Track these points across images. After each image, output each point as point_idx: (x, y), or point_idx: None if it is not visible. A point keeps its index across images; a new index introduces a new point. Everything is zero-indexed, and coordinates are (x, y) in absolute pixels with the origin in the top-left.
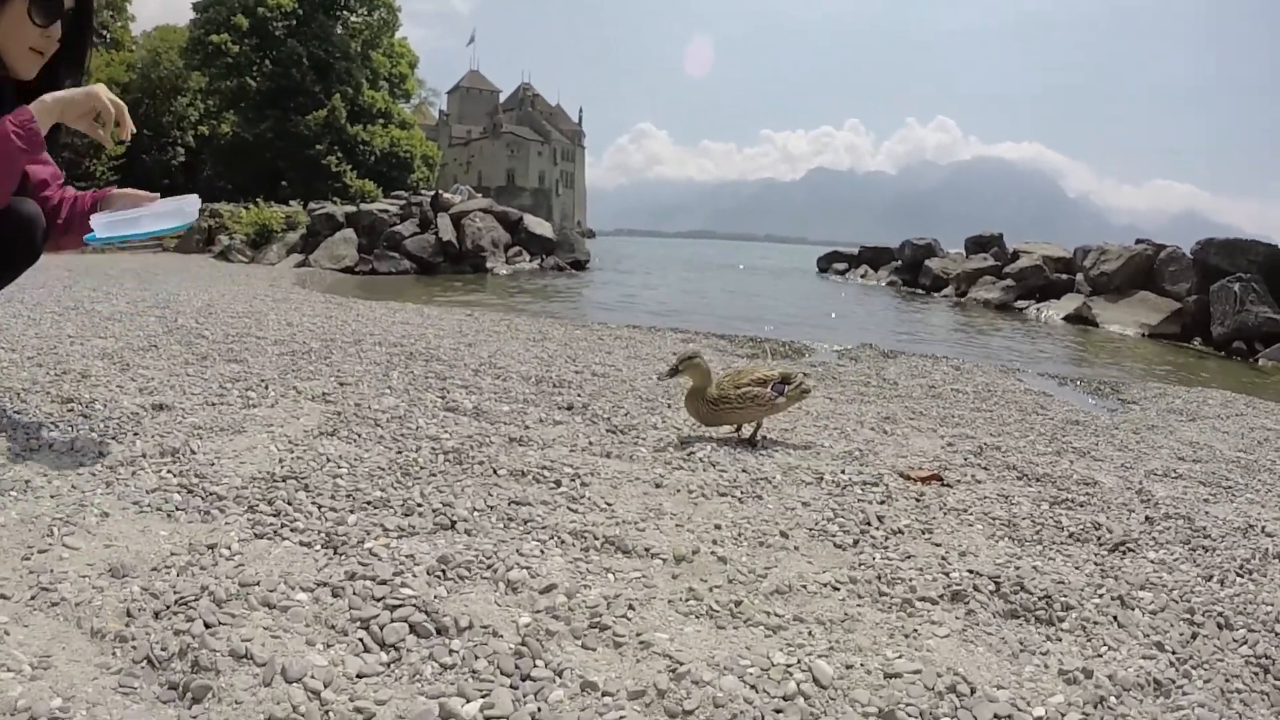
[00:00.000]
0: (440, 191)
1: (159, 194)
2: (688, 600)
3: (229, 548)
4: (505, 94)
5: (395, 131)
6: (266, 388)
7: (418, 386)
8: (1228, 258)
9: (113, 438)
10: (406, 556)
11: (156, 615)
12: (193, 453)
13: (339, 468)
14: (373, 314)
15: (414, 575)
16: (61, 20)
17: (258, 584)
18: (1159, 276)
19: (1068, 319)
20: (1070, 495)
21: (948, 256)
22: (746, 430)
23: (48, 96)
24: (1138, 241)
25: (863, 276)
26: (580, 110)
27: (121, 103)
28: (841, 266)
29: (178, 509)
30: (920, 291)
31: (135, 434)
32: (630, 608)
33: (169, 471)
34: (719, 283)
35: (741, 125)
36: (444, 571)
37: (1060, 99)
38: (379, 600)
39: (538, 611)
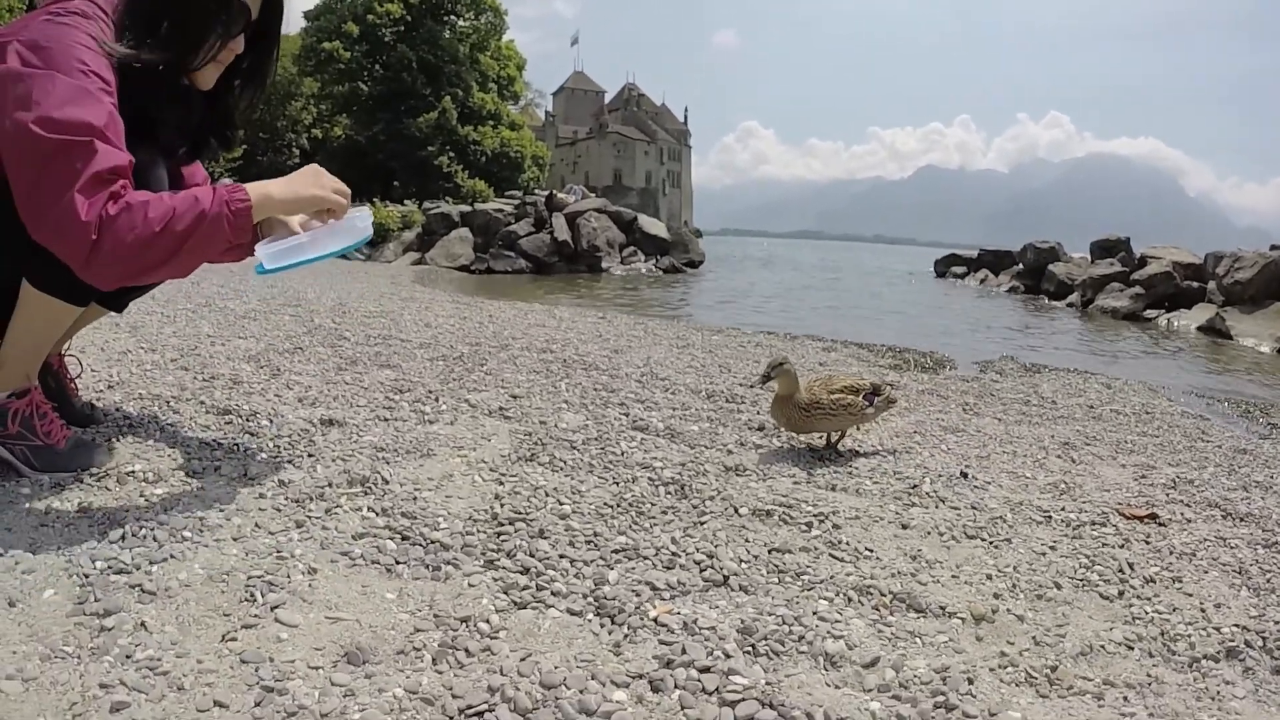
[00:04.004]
0: (555, 191)
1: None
2: (1005, 667)
3: (487, 621)
4: (610, 94)
5: (505, 132)
6: (437, 400)
7: (594, 401)
8: None
9: (289, 461)
10: (707, 629)
11: None
12: (385, 482)
13: (561, 504)
14: (504, 315)
15: (726, 655)
16: (245, 31)
17: (563, 683)
18: None
19: (1200, 330)
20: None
21: (1071, 261)
22: (833, 437)
23: (274, 189)
24: (1273, 248)
25: (982, 281)
26: (685, 110)
27: (345, 188)
28: (960, 270)
29: (398, 562)
30: (1043, 298)
31: (311, 456)
32: (969, 680)
33: (370, 509)
34: (837, 285)
35: (849, 123)
36: (754, 646)
37: (1178, 91)
38: (711, 694)
39: (868, 690)
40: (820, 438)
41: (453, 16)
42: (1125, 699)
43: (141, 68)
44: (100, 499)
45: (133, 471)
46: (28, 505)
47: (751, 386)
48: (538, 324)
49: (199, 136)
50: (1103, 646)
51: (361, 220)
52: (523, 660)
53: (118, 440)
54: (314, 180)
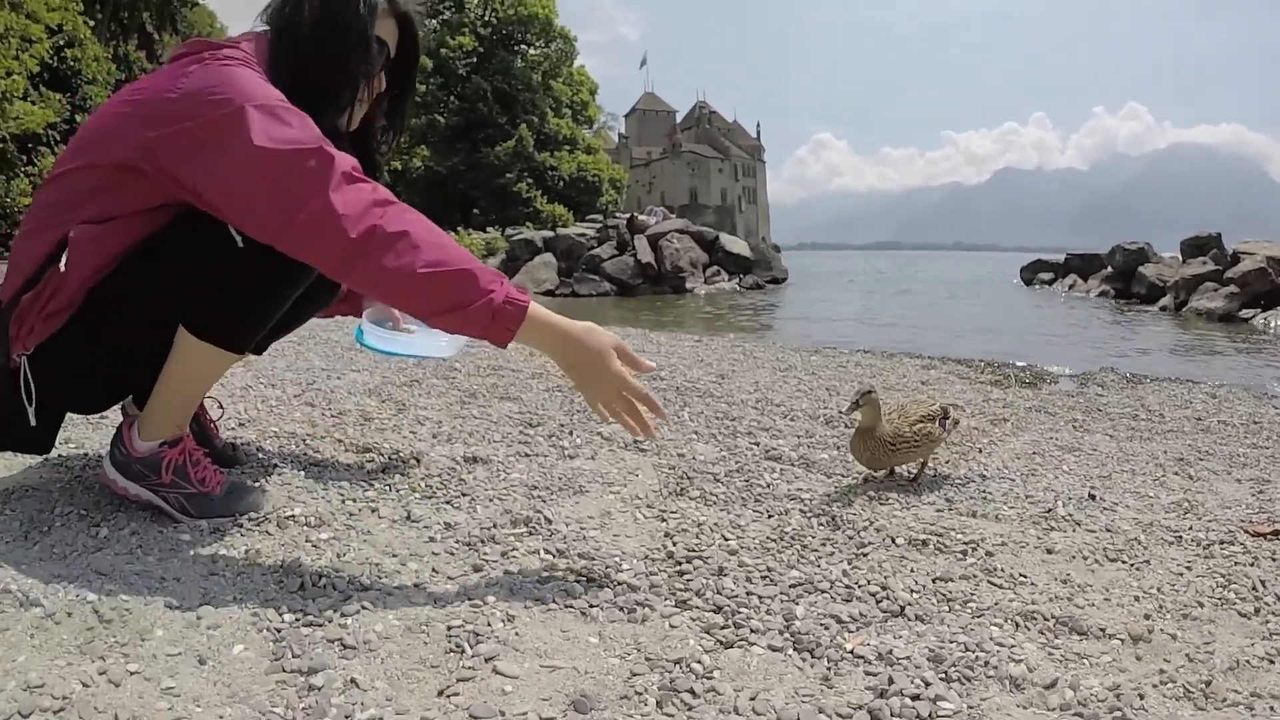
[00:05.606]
0: (635, 214)
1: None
2: (1165, 684)
3: (699, 661)
4: (681, 113)
5: (582, 157)
6: (571, 434)
7: (721, 431)
8: None
9: (447, 502)
10: (903, 658)
11: None
12: (549, 522)
13: (727, 540)
14: None
15: (926, 683)
16: (385, 67)
17: (797, 718)
18: None
19: None
20: None
21: (1161, 261)
22: (912, 469)
23: (572, 328)
24: None
25: (1070, 287)
26: (758, 125)
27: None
28: (1047, 276)
29: (591, 605)
30: (1135, 301)
31: (465, 495)
32: (1140, 696)
33: (545, 551)
34: (924, 298)
35: (921, 128)
36: (946, 673)
37: (1252, 67)
38: None
39: (1052, 710)
40: (887, 473)
41: (524, 46)
42: (1272, 709)
43: None
44: (265, 545)
45: (292, 515)
46: (191, 552)
47: (844, 414)
48: (637, 349)
49: None
50: (1248, 661)
51: (457, 342)
52: (753, 699)
53: (265, 480)
54: (603, 363)
